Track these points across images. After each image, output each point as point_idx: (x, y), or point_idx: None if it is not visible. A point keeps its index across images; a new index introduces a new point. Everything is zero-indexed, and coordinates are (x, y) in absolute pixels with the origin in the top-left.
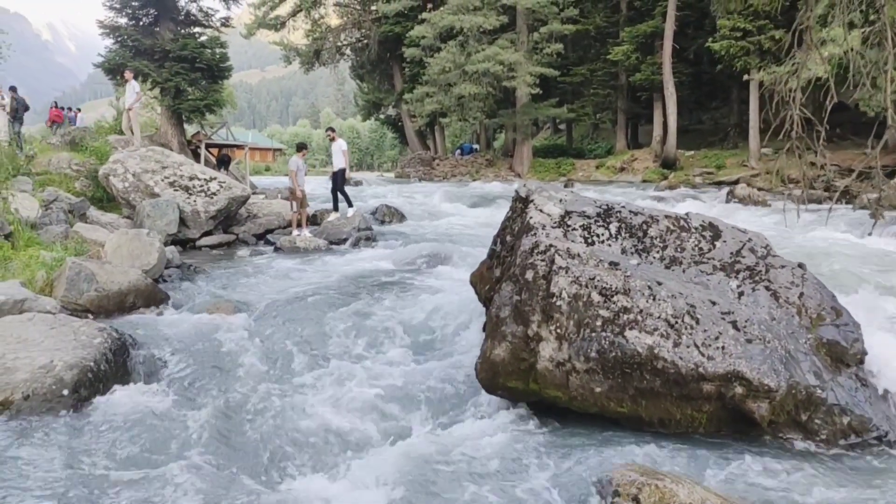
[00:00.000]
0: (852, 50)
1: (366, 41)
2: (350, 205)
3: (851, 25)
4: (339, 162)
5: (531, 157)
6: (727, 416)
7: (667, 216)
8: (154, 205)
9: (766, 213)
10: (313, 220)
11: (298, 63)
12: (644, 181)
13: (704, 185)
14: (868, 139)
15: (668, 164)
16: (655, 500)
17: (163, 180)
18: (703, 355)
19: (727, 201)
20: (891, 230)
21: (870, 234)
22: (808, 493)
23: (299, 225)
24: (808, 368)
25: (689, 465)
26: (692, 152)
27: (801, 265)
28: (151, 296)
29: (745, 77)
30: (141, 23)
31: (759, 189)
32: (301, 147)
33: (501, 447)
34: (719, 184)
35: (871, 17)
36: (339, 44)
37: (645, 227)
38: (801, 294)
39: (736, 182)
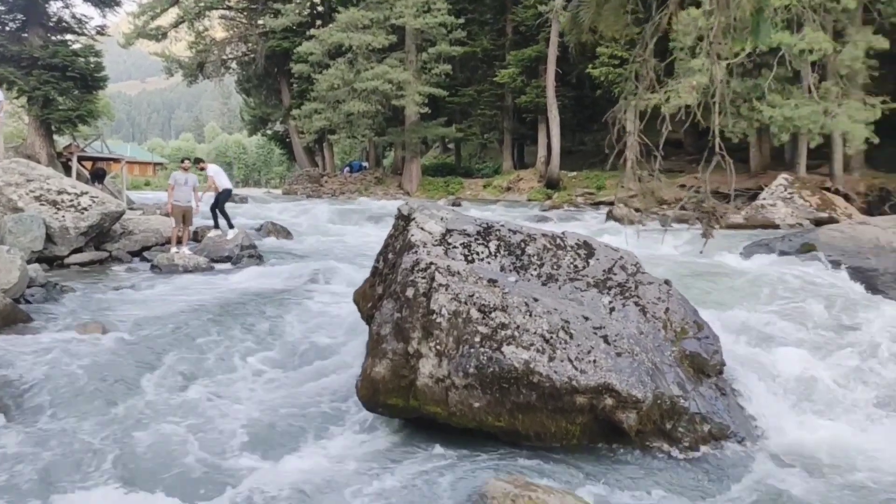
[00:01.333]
0: (721, 80)
1: (252, 55)
2: (231, 226)
3: (718, 57)
4: (223, 182)
5: (420, 176)
6: (599, 428)
7: (544, 235)
8: (17, 220)
9: (643, 232)
10: (195, 238)
11: (181, 75)
12: (529, 200)
13: (586, 205)
14: (731, 163)
15: (552, 185)
16: None
17: (27, 194)
18: (576, 369)
19: (606, 221)
20: (753, 251)
21: (700, 252)
22: (670, 496)
23: (179, 242)
24: (672, 379)
25: (563, 476)
26: (574, 173)
27: (667, 282)
28: (10, 316)
29: (623, 102)
30: (7, 28)
31: (637, 210)
32: (197, 161)
33: (379, 465)
34: (599, 204)
35: (736, 50)
36: (225, 57)
37: (523, 245)
38: (667, 309)
39: (613, 203)
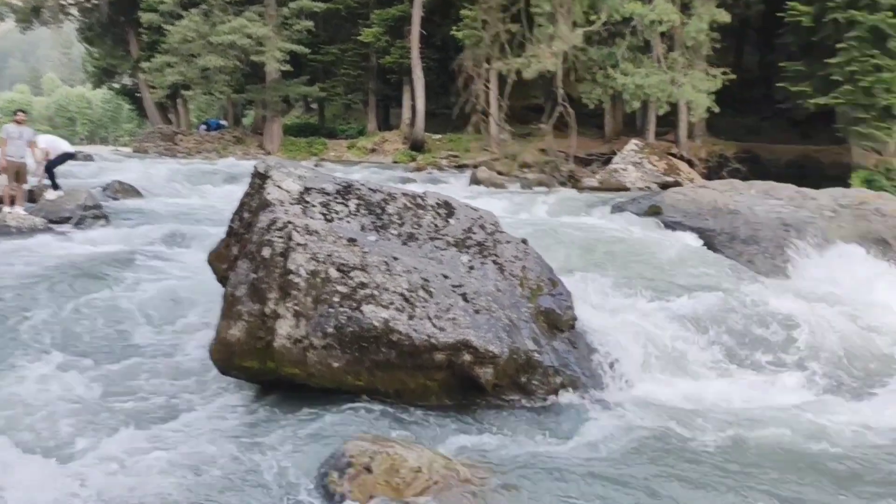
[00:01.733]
0: (575, 47)
1: (95, 1)
2: (56, 187)
3: (575, 25)
4: (62, 148)
5: (282, 136)
6: (458, 384)
7: (404, 194)
8: None
9: (505, 195)
10: (31, 199)
11: (14, 20)
12: (394, 162)
13: (450, 168)
14: (589, 129)
15: (417, 147)
16: (387, 468)
17: None
18: (435, 327)
19: (470, 183)
20: (609, 210)
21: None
22: (525, 445)
23: (12, 202)
24: (528, 335)
25: (422, 432)
26: (439, 136)
27: (524, 241)
28: None
29: (486, 66)
30: None
31: (499, 173)
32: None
33: (235, 430)
34: (463, 167)
35: (592, 18)
36: (63, 2)
37: (384, 204)
38: (524, 267)
39: (478, 165)
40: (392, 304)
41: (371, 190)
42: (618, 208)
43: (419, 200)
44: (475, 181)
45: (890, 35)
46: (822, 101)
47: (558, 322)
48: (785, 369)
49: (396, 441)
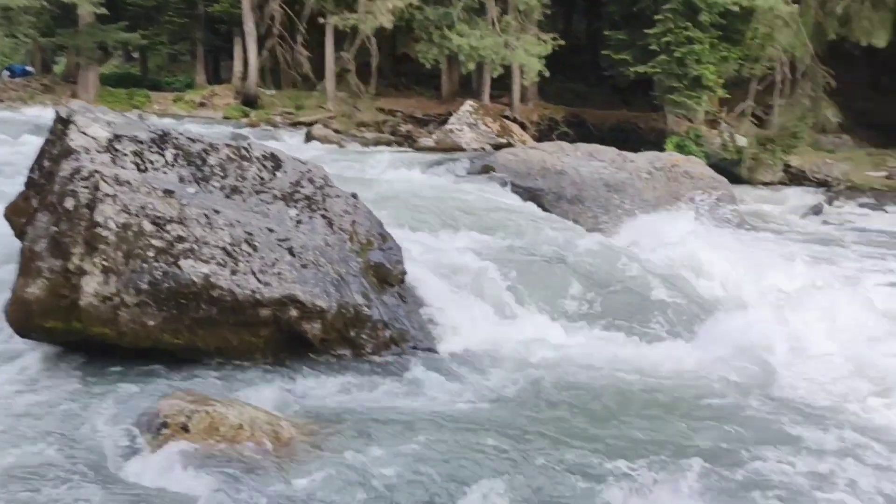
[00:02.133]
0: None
1: None
2: None
3: None
4: None
5: (99, 86)
6: (284, 340)
7: (228, 145)
8: None
9: (340, 152)
10: None
11: None
12: (225, 118)
13: (285, 125)
14: (428, 89)
15: (249, 102)
16: (205, 426)
17: None
18: (260, 282)
19: (306, 141)
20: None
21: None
22: (353, 399)
23: None
24: (357, 289)
25: (247, 389)
26: (273, 91)
27: (353, 195)
28: None
29: (321, 20)
30: None
31: (336, 131)
32: None
33: (38, 396)
34: (299, 124)
35: None
36: None
37: (204, 154)
38: (354, 221)
39: (314, 123)
40: (213, 258)
41: (190, 140)
42: (452, 168)
43: (244, 152)
44: (311, 139)
45: (701, 8)
46: (641, 69)
47: (388, 276)
48: (608, 317)
49: (216, 399)
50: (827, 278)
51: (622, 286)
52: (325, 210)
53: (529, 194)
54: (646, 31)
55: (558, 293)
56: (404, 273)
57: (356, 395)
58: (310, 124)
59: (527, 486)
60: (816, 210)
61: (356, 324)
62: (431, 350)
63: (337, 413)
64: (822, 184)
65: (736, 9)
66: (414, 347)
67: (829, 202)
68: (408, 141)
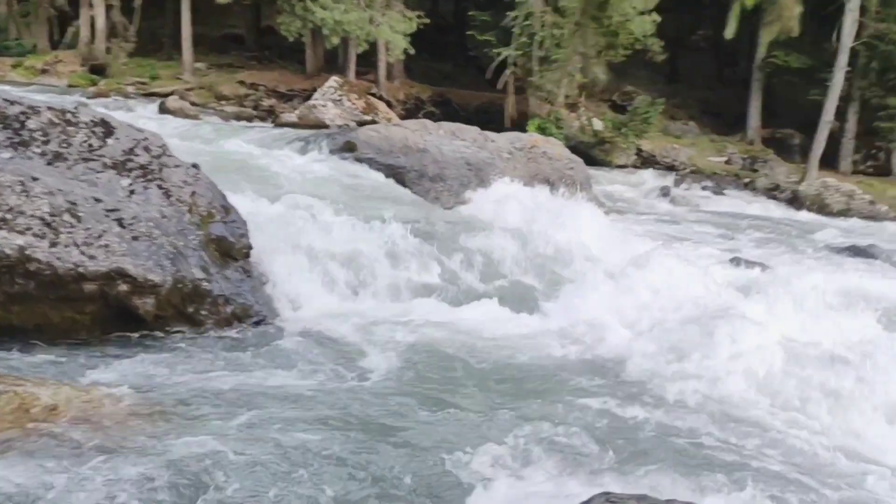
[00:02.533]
0: None
1: None
2: None
3: None
4: None
5: None
6: (113, 316)
7: (50, 108)
8: None
9: (196, 125)
10: None
11: None
12: (71, 86)
13: (137, 96)
14: (292, 64)
15: (98, 71)
16: (15, 407)
17: None
18: (84, 255)
19: (160, 113)
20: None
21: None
22: (191, 376)
23: None
24: (195, 263)
25: (69, 368)
26: (126, 59)
27: (195, 165)
28: None
29: None
30: None
31: (194, 104)
32: None
33: None
34: (153, 95)
35: None
36: None
37: (23, 118)
38: (194, 192)
39: (169, 94)
40: (30, 229)
41: (7, 101)
42: (313, 143)
43: (69, 117)
44: (165, 111)
45: None
46: (503, 51)
47: (231, 250)
48: (464, 289)
49: (29, 379)
50: (668, 254)
51: (472, 260)
52: (162, 180)
53: (391, 171)
54: (508, 13)
55: (410, 267)
56: (249, 247)
57: (190, 373)
58: (165, 96)
59: (356, 459)
60: (665, 192)
61: (195, 299)
62: (277, 325)
63: (167, 391)
64: (670, 167)
65: None
66: (258, 323)
67: (677, 185)
68: (270, 116)
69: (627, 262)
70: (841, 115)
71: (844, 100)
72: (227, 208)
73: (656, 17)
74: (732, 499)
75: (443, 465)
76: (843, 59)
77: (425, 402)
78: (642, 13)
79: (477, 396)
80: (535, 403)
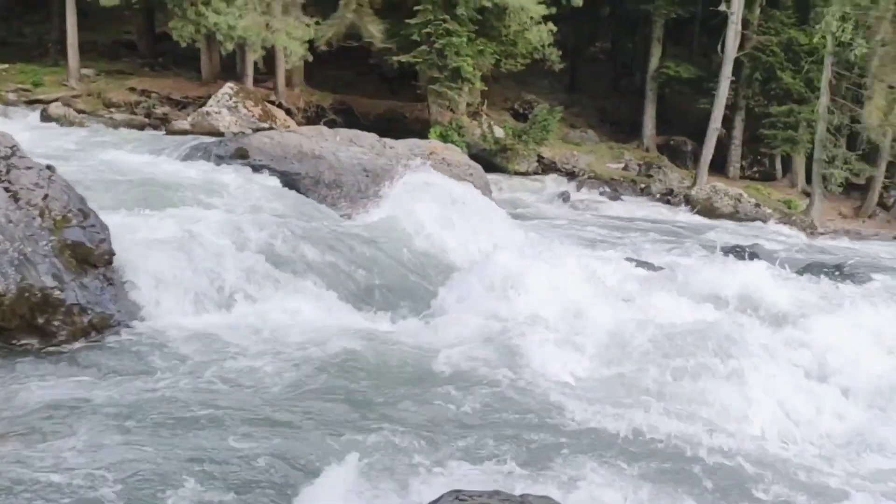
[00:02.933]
0: None
1: None
2: None
3: None
4: None
5: None
6: None
7: None
8: None
9: (79, 133)
10: None
11: None
12: None
13: (20, 103)
14: (188, 71)
15: None
16: None
17: None
18: None
19: (42, 121)
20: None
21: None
22: (40, 393)
23: None
24: (45, 270)
25: None
26: (6, 66)
27: (49, 167)
28: None
29: None
30: None
31: (80, 111)
32: None
33: None
34: (37, 102)
35: None
36: None
37: None
38: (46, 196)
39: (53, 101)
40: None
41: None
42: (203, 151)
43: None
44: (47, 118)
45: (458, 2)
46: (403, 59)
47: (90, 256)
48: (346, 294)
49: None
50: (556, 255)
51: (357, 264)
52: (10, 182)
53: (285, 178)
54: (407, 21)
55: (292, 273)
56: (111, 253)
57: (45, 389)
58: (49, 103)
59: (201, 467)
60: (564, 197)
61: (45, 309)
62: (140, 334)
63: (7, 412)
64: (570, 174)
65: (490, 4)
66: (121, 332)
67: (577, 189)
68: (164, 124)
69: (512, 263)
70: (728, 123)
71: (731, 108)
72: (85, 212)
73: (552, 27)
74: (593, 489)
75: (287, 469)
76: (727, 69)
77: (278, 406)
78: (539, 23)
79: (332, 400)
80: (388, 406)
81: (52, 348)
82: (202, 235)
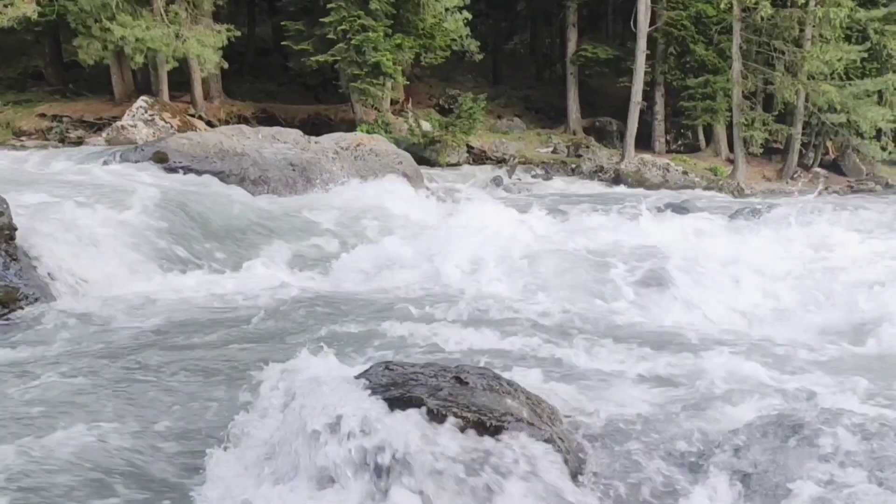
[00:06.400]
0: None
1: None
2: None
3: None
4: None
5: None
6: None
7: None
8: None
9: None
10: None
11: None
12: None
13: None
14: (101, 94)
15: None
16: None
17: None
18: None
19: None
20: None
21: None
22: None
23: None
24: None
25: None
26: None
27: None
28: None
29: None
30: None
31: None
32: None
33: None
34: None
35: None
36: None
37: None
38: None
39: None
40: None
41: None
42: (119, 157)
43: None
44: None
45: None
46: (321, 58)
47: None
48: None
49: None
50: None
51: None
52: None
53: (211, 176)
54: (321, 20)
55: (192, 247)
56: (13, 228)
57: None
58: None
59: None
60: (497, 182)
61: None
62: (48, 308)
63: None
64: (500, 161)
65: None
66: (30, 306)
67: (509, 175)
68: (78, 146)
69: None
70: (650, 100)
71: (650, 85)
72: None
73: (468, 15)
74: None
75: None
76: (641, 43)
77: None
78: (454, 13)
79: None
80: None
81: None
82: (106, 214)
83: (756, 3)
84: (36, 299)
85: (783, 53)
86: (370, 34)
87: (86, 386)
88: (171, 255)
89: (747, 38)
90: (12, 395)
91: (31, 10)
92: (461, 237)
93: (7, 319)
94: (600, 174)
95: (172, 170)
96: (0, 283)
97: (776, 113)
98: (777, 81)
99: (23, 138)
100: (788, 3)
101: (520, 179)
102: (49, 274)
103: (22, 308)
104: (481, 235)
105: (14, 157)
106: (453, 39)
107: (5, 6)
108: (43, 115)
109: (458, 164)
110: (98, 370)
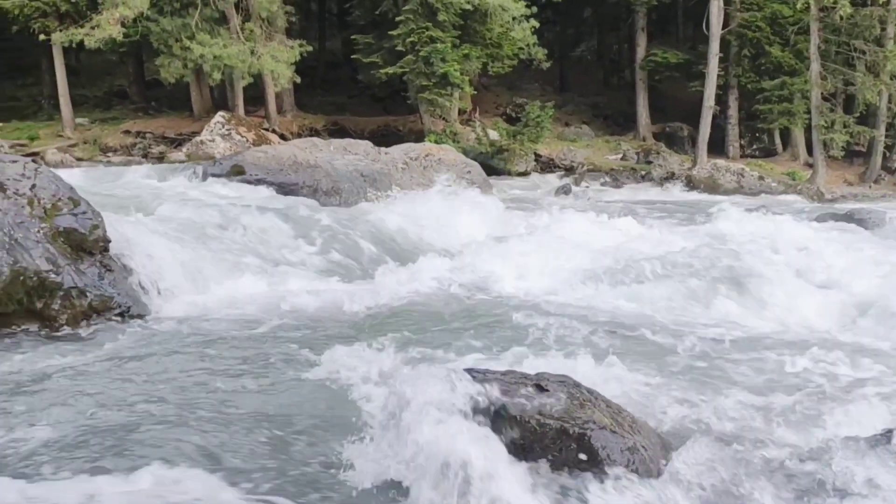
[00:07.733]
0: (144, 17)
1: None
2: None
3: None
4: None
5: None
6: None
7: None
8: None
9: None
10: None
11: None
12: None
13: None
14: (180, 111)
15: None
16: None
17: None
18: None
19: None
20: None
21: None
22: (32, 377)
23: None
24: (39, 255)
25: None
26: (1, 125)
27: (33, 159)
28: None
29: (42, 37)
30: None
31: (78, 159)
32: None
33: None
34: (34, 154)
35: None
36: None
37: None
38: (34, 186)
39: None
40: None
41: None
42: (200, 171)
43: None
44: (43, 163)
45: (439, 9)
46: (390, 70)
47: (84, 242)
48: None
49: None
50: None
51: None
52: None
53: (283, 190)
54: (390, 32)
55: (285, 256)
56: (106, 240)
57: (38, 372)
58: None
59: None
60: (566, 190)
61: (42, 293)
62: (145, 315)
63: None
64: (568, 169)
65: (470, 8)
66: (124, 315)
67: (577, 183)
68: (161, 161)
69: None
70: (723, 104)
71: (723, 88)
72: (76, 200)
73: (535, 24)
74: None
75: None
76: (714, 46)
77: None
78: (521, 22)
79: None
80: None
81: (51, 331)
82: (201, 225)
83: (835, 3)
84: (129, 308)
85: (864, 53)
86: (438, 45)
87: (201, 389)
88: (259, 263)
89: (826, 38)
90: (129, 400)
91: (117, 32)
92: (551, 246)
93: (102, 326)
94: (671, 181)
95: (249, 182)
96: (96, 293)
97: (858, 115)
98: (858, 82)
99: (109, 154)
100: (869, 2)
101: (588, 187)
102: (140, 283)
103: (116, 317)
104: (572, 243)
105: (104, 172)
106: (520, 48)
107: (92, 28)
108: (127, 132)
109: (526, 173)
110: (208, 372)
